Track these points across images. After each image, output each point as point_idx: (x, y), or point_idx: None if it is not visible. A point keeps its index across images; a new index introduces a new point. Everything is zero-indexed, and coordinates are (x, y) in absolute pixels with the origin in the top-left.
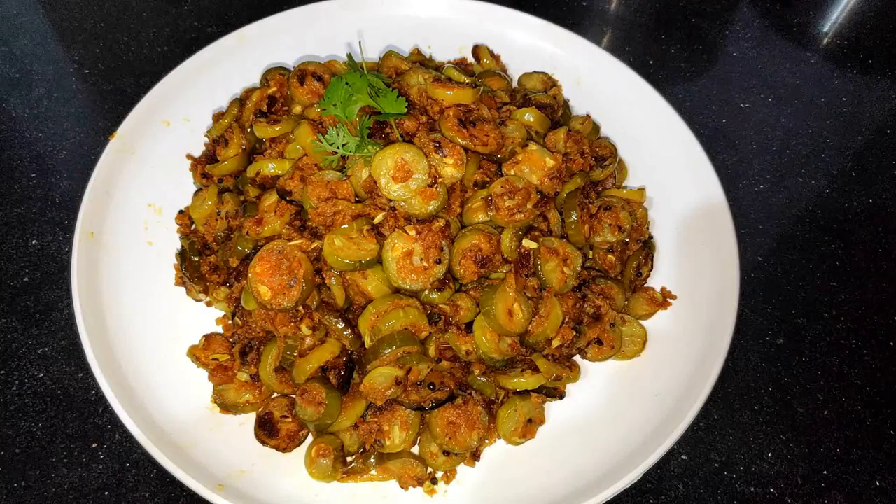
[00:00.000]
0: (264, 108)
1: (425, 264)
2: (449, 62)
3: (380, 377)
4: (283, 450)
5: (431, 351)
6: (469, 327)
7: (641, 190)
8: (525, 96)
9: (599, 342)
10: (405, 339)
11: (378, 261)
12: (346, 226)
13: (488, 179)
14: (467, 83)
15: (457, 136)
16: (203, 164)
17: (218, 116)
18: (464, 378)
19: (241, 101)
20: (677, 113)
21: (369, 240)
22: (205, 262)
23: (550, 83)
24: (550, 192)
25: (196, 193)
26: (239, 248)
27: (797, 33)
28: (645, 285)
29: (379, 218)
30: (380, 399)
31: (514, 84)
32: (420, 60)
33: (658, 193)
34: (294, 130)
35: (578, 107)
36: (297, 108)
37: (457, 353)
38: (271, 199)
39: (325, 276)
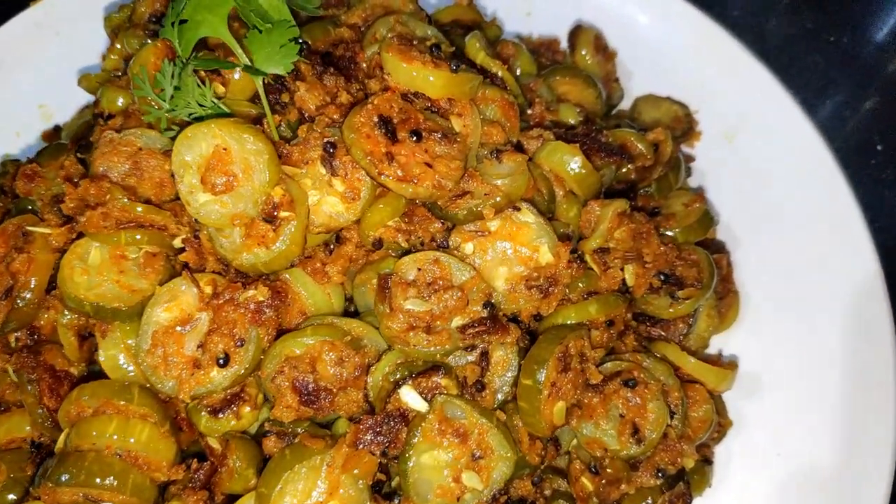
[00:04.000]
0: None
1: (199, 356)
2: (521, 37)
3: None
4: None
5: None
6: None
7: (728, 371)
8: (591, 127)
9: None
10: (104, 471)
11: (139, 315)
12: (116, 238)
13: (410, 248)
14: (453, 64)
15: (361, 149)
16: None
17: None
18: None
19: None
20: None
21: (146, 274)
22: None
23: (683, 124)
24: (520, 314)
25: (84, 108)
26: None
27: None
28: None
29: (177, 242)
30: None
31: (626, 106)
32: (471, 21)
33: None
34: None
35: (711, 174)
36: None
37: None
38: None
39: (49, 304)
